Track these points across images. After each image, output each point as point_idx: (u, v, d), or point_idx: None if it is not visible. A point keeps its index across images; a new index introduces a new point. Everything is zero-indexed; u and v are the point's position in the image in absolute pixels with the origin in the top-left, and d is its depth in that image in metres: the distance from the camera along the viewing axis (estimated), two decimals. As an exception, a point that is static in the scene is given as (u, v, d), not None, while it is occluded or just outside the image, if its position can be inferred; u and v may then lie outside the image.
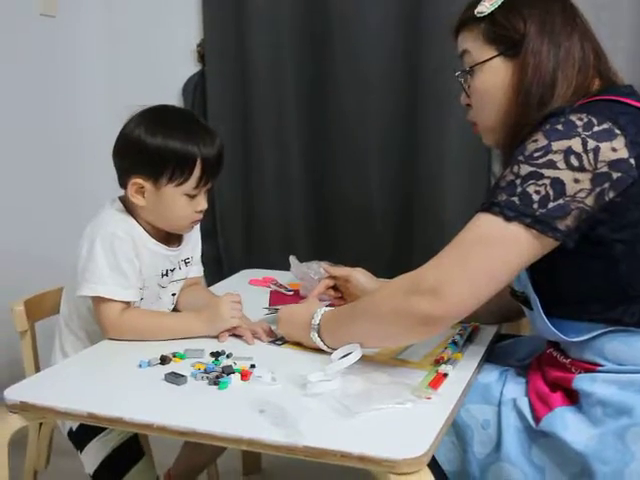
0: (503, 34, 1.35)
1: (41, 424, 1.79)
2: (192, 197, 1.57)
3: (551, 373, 1.34)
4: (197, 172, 1.54)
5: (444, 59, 2.38)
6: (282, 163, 2.71)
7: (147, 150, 1.53)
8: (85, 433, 1.61)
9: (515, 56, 1.34)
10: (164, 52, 2.83)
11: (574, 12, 1.38)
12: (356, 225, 2.64)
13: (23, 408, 1.27)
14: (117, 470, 1.61)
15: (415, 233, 2.58)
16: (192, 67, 2.79)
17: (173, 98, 2.76)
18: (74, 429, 1.63)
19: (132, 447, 1.62)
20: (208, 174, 1.56)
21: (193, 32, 2.77)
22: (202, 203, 1.60)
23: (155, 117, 1.58)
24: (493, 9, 1.36)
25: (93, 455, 1.61)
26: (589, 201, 1.19)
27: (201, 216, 1.63)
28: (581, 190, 1.19)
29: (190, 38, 2.77)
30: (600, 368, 1.27)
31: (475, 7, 1.39)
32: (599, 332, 1.27)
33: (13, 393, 1.29)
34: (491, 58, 1.37)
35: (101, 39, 2.85)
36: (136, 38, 2.87)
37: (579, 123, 1.21)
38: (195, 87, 2.76)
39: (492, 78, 1.38)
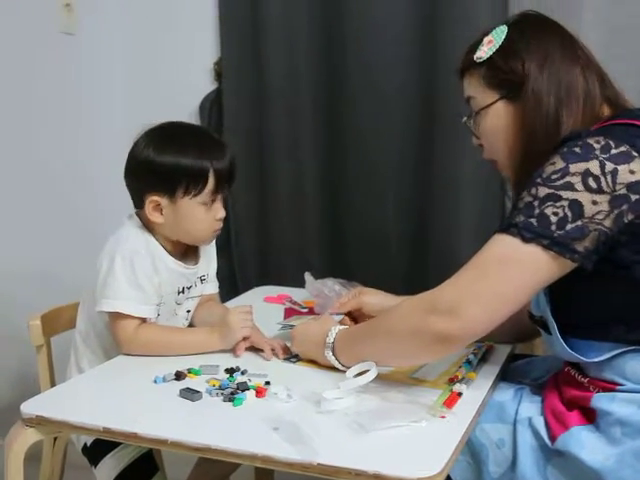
0: (503, 78, 1.38)
1: (55, 439, 1.80)
2: (209, 206, 1.58)
3: (568, 392, 1.33)
4: (211, 184, 1.56)
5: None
6: (298, 180, 2.71)
7: (159, 169, 1.55)
8: (99, 448, 1.62)
9: (517, 99, 1.36)
10: (182, 70, 2.85)
11: (574, 44, 1.39)
12: (371, 242, 2.63)
13: (39, 422, 1.28)
14: (131, 486, 1.62)
15: (430, 252, 2.57)
16: (209, 85, 2.81)
17: (190, 115, 2.77)
18: (88, 444, 1.63)
19: (146, 463, 1.62)
20: (222, 184, 1.58)
21: (210, 50, 2.78)
22: (220, 211, 1.61)
23: (162, 135, 1.59)
24: (492, 53, 1.38)
25: (107, 471, 1.61)
26: (607, 223, 1.20)
27: (221, 224, 1.64)
28: (599, 212, 1.19)
29: (207, 56, 2.79)
30: (619, 387, 1.27)
31: (474, 52, 1.41)
32: (619, 352, 1.27)
33: (29, 407, 1.30)
34: (494, 102, 1.39)
35: (119, 57, 2.88)
36: (154, 56, 2.89)
37: (596, 146, 1.22)
38: (212, 104, 2.78)
39: (497, 121, 1.40)
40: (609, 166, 1.20)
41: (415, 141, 2.54)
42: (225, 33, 2.73)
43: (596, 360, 1.28)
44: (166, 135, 1.60)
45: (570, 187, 1.20)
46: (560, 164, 1.22)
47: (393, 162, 2.58)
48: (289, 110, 2.67)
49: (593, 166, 1.20)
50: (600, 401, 1.26)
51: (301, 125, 2.67)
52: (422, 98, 2.50)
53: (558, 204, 1.20)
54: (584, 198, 1.19)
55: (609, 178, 1.19)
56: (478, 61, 1.39)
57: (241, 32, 2.70)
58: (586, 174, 1.20)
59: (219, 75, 2.78)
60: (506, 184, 2.42)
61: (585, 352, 1.29)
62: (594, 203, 1.19)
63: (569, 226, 1.19)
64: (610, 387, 1.28)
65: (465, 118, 1.47)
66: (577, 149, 1.23)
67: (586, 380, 1.32)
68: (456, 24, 2.36)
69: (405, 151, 2.56)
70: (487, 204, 2.46)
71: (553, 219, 1.20)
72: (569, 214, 1.19)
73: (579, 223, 1.19)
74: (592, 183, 1.19)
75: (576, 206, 1.19)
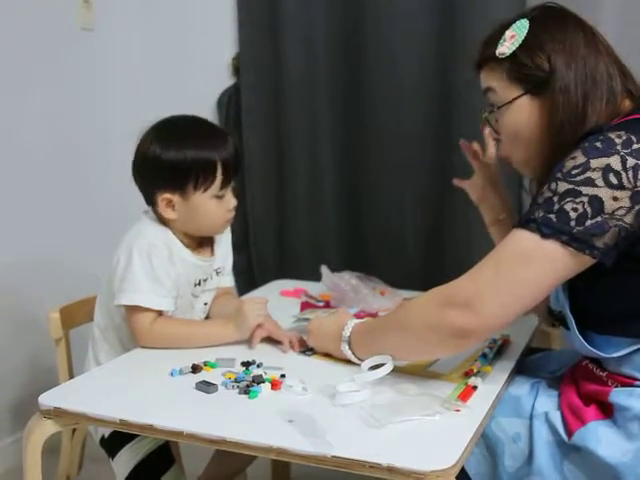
0: (528, 73, 1.34)
1: (74, 431, 1.82)
2: (220, 198, 1.60)
3: (586, 386, 1.33)
4: (219, 174, 1.57)
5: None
6: (315, 175, 2.72)
7: (167, 166, 1.56)
8: (117, 440, 1.63)
9: (542, 94, 1.34)
10: (200, 65, 2.86)
11: (595, 36, 1.36)
12: (388, 237, 2.64)
13: (57, 414, 1.29)
14: (148, 477, 1.63)
15: (447, 248, 2.57)
16: (227, 80, 2.82)
17: (208, 111, 2.78)
18: (106, 436, 1.65)
19: (163, 455, 1.63)
20: (230, 173, 1.59)
21: (228, 46, 2.79)
22: (231, 201, 1.63)
23: (167, 131, 1.60)
24: (515, 49, 1.35)
25: (124, 462, 1.63)
26: (628, 219, 1.18)
27: (233, 213, 1.65)
28: (620, 208, 1.18)
29: (225, 51, 2.80)
30: (638, 383, 1.26)
31: (494, 45, 1.38)
32: (638, 347, 1.25)
33: (47, 399, 1.31)
34: (517, 97, 1.36)
35: (138, 52, 2.89)
36: (172, 52, 2.90)
37: (618, 141, 1.20)
38: (229, 100, 2.79)
39: (520, 117, 1.37)
40: (630, 161, 1.18)
41: (432, 138, 2.54)
42: (243, 28, 2.74)
43: (615, 355, 1.28)
44: (170, 130, 1.61)
45: (590, 183, 1.18)
46: (581, 159, 1.21)
47: (411, 157, 2.57)
48: (307, 105, 2.67)
49: (614, 161, 1.18)
50: (618, 396, 1.25)
51: (319, 120, 2.68)
52: (440, 96, 2.50)
53: (578, 200, 1.19)
54: (604, 194, 1.18)
55: (630, 174, 1.17)
56: (501, 57, 1.36)
57: (259, 27, 2.71)
58: (607, 169, 1.18)
59: (237, 70, 2.79)
60: (524, 179, 2.42)
61: (604, 347, 1.29)
62: (615, 199, 1.18)
63: (589, 222, 1.18)
64: (629, 382, 1.27)
65: (486, 113, 1.44)
66: (598, 144, 1.21)
67: (604, 374, 1.31)
68: (476, 19, 2.36)
69: (422, 147, 2.56)
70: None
71: (572, 215, 1.19)
72: (589, 210, 1.18)
73: (599, 219, 1.18)
74: (613, 179, 1.18)
75: (596, 202, 1.18)
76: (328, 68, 2.63)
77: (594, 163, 1.19)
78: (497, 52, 1.37)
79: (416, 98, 2.52)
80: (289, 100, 2.69)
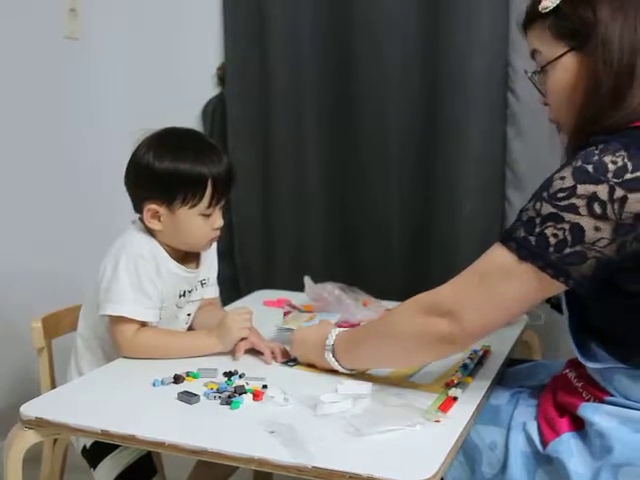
0: (572, 27, 1.26)
1: (55, 441, 1.81)
2: (207, 216, 1.60)
3: (561, 396, 1.33)
4: (209, 192, 1.57)
5: (462, 82, 2.41)
6: (301, 185, 2.72)
7: (158, 175, 1.56)
8: (99, 451, 1.62)
9: (587, 49, 1.25)
10: (185, 75, 2.86)
11: None
12: (374, 246, 2.64)
13: (38, 424, 1.29)
14: (130, 488, 1.62)
15: (431, 257, 2.57)
16: (212, 90, 2.82)
17: (193, 120, 2.78)
18: (88, 446, 1.64)
19: (145, 465, 1.63)
20: (220, 192, 1.59)
21: (214, 55, 2.80)
22: (218, 221, 1.62)
23: (162, 141, 1.60)
24: (558, 2, 1.27)
25: (106, 473, 1.62)
26: (609, 250, 1.16)
27: (218, 233, 1.65)
28: (601, 239, 1.15)
29: (211, 61, 2.80)
30: (608, 398, 1.27)
31: (539, 3, 1.30)
32: (611, 366, 1.26)
33: (29, 409, 1.31)
34: (562, 55, 1.29)
35: (123, 62, 2.89)
36: (158, 61, 2.90)
37: (611, 167, 1.15)
38: (214, 109, 2.79)
39: (565, 76, 1.29)
40: (618, 192, 1.13)
41: (417, 145, 2.55)
42: (229, 38, 2.75)
43: (590, 366, 1.29)
44: (166, 141, 1.60)
45: (574, 210, 1.15)
46: (569, 182, 1.17)
47: (396, 167, 2.58)
48: (293, 115, 2.68)
49: (601, 190, 1.14)
50: (585, 410, 1.26)
51: (305, 130, 2.68)
52: (425, 102, 2.51)
53: (559, 226, 1.17)
54: (586, 223, 1.15)
55: (616, 205, 1.13)
56: (544, 11, 1.28)
57: (245, 37, 2.71)
58: (592, 198, 1.14)
59: (222, 80, 2.79)
60: (506, 188, 2.44)
61: (587, 354, 1.29)
62: (596, 229, 1.15)
63: (567, 250, 1.16)
64: (601, 396, 1.28)
65: (530, 73, 1.37)
66: (590, 167, 1.16)
67: (580, 385, 1.33)
68: (461, 30, 2.39)
69: (408, 156, 2.57)
70: (486, 212, 2.47)
71: (552, 241, 1.17)
72: (569, 238, 1.16)
73: (578, 248, 1.16)
74: (597, 208, 1.14)
75: (577, 230, 1.15)
76: (314, 76, 2.64)
77: (581, 189, 1.15)
78: (540, 7, 1.29)
79: (402, 105, 2.53)
80: (275, 109, 2.70)
